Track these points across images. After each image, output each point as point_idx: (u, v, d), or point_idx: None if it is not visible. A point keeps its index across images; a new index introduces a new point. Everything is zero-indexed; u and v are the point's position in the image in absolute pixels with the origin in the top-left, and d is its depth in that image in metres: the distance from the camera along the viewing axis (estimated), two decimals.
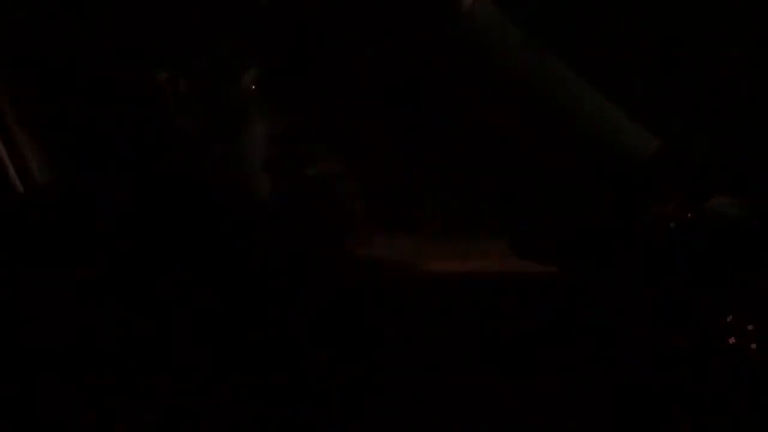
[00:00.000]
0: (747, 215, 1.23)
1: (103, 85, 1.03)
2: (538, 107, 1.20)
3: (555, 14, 1.27)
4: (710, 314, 1.30)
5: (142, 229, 1.06)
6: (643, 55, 1.31)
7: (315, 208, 1.16)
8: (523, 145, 1.27)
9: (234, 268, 1.12)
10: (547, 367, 1.30)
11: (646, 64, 1.32)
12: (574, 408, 1.27)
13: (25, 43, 1.05)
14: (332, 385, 1.19)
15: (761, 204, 1.19)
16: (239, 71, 1.05)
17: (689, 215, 1.24)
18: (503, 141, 1.28)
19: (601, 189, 1.30)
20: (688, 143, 1.25)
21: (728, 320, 1.30)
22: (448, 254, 1.53)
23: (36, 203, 1.08)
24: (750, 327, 1.27)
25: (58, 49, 1.03)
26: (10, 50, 1.05)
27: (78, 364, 1.07)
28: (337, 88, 1.23)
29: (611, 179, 1.28)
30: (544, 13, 1.26)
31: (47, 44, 1.03)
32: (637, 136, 1.26)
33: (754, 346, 1.27)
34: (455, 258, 1.53)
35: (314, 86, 1.22)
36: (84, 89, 1.04)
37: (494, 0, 1.17)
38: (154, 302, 1.06)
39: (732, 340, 1.29)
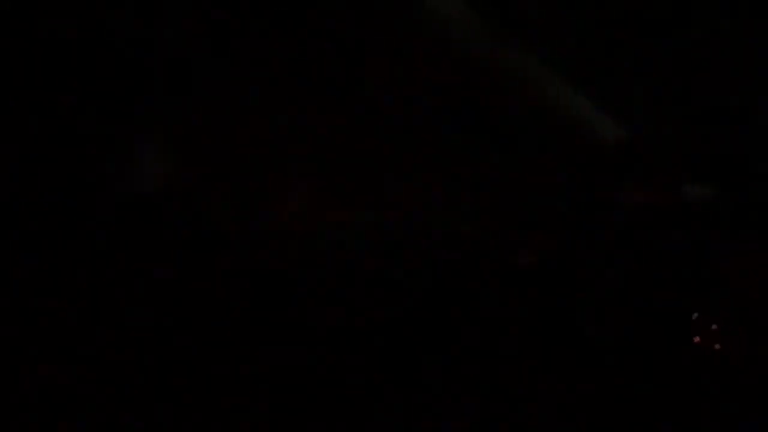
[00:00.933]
0: (718, 201, 1.21)
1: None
2: (504, 95, 1.27)
3: (529, 8, 1.33)
4: (678, 311, 1.28)
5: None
6: (613, 45, 1.33)
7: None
8: (492, 134, 1.30)
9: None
10: (520, 360, 1.36)
11: (619, 56, 1.34)
12: (545, 402, 1.32)
13: None
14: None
15: (734, 190, 1.18)
16: None
17: (662, 201, 1.24)
18: (472, 132, 1.32)
19: (571, 177, 1.33)
20: (658, 132, 1.28)
21: (694, 318, 1.26)
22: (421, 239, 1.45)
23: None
24: (714, 327, 1.23)
25: None
26: None
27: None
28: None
29: (580, 167, 1.32)
30: (520, 8, 1.33)
31: None
32: (604, 125, 1.30)
33: (718, 346, 1.23)
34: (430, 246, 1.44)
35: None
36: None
37: None
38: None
39: (697, 339, 1.26)
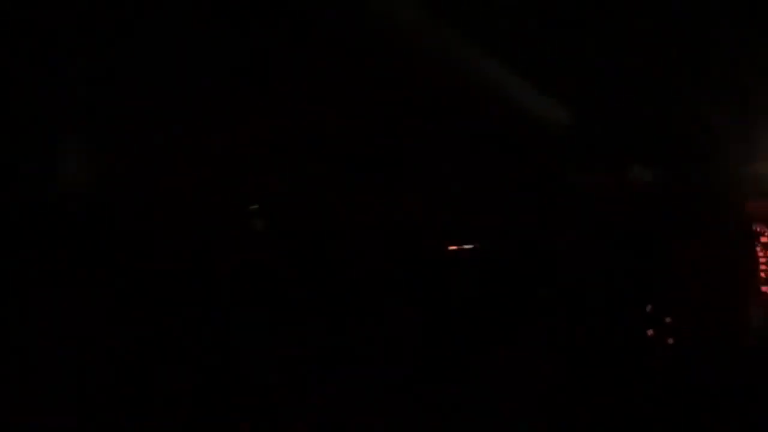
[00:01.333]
0: (665, 183, 1.20)
1: None
2: (447, 82, 1.15)
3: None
4: (632, 303, 1.24)
5: None
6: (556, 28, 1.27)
7: None
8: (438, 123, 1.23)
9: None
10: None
11: (562, 40, 1.28)
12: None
13: None
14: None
15: (677, 172, 1.15)
16: None
17: (610, 183, 1.20)
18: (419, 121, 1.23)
19: (518, 163, 1.25)
20: (603, 115, 1.21)
21: (648, 310, 1.24)
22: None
23: None
24: (668, 320, 1.23)
25: None
26: None
27: None
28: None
29: (527, 152, 1.23)
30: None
31: None
32: (549, 109, 1.22)
33: (671, 340, 1.22)
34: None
35: None
36: None
37: None
38: None
39: (650, 332, 1.24)
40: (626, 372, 1.21)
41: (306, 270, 1.27)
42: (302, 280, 1.28)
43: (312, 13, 0.99)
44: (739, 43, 1.36)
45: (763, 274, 1.45)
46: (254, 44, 1.11)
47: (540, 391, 1.24)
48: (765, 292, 1.43)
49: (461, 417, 1.20)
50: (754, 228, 1.43)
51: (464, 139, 1.29)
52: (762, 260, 1.46)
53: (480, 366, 1.26)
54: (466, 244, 1.37)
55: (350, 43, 1.06)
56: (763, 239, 1.47)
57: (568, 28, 1.35)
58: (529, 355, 1.27)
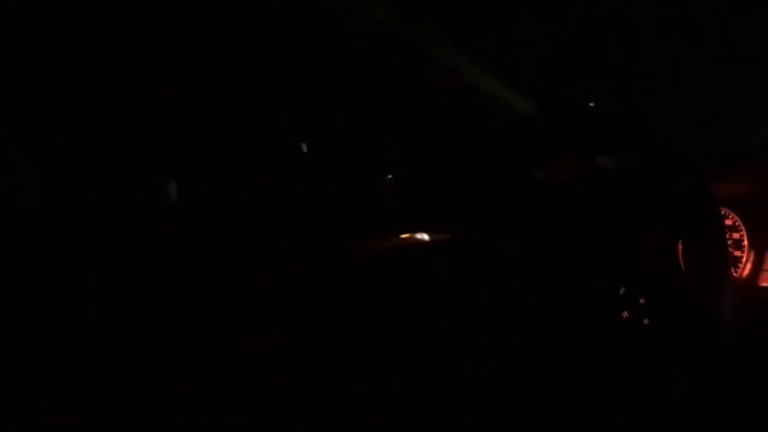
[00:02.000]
0: (631, 169, 1.19)
1: None
2: (414, 75, 1.12)
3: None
4: (604, 286, 1.22)
5: None
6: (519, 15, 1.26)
7: None
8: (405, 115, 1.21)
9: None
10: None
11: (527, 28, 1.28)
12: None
13: None
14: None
15: (644, 158, 1.14)
16: None
17: (576, 171, 1.19)
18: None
19: (486, 149, 1.23)
20: (569, 103, 1.20)
21: (621, 293, 1.22)
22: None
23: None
24: (642, 301, 1.21)
25: None
26: None
27: None
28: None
29: (495, 143, 1.21)
30: None
31: None
32: (514, 99, 1.21)
33: (646, 320, 1.20)
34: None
35: None
36: None
37: None
38: None
39: (625, 314, 1.22)
40: (602, 353, 1.19)
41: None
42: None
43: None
44: (699, 31, 1.40)
45: (730, 256, 1.47)
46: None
47: (514, 376, 1.20)
48: (733, 274, 1.44)
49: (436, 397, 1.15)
50: (720, 210, 1.45)
51: (430, 132, 1.27)
52: (729, 242, 1.49)
53: (446, 349, 1.22)
54: (434, 234, 1.33)
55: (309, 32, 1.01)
56: (728, 222, 1.49)
57: (533, 17, 1.35)
58: (500, 339, 1.23)
